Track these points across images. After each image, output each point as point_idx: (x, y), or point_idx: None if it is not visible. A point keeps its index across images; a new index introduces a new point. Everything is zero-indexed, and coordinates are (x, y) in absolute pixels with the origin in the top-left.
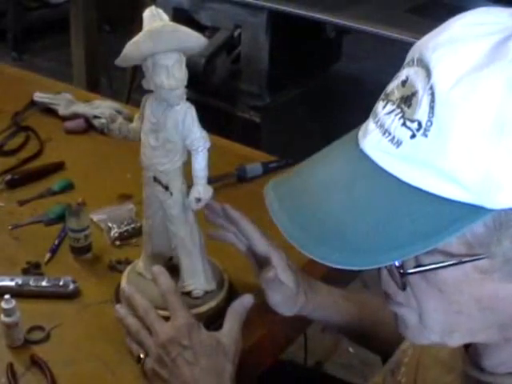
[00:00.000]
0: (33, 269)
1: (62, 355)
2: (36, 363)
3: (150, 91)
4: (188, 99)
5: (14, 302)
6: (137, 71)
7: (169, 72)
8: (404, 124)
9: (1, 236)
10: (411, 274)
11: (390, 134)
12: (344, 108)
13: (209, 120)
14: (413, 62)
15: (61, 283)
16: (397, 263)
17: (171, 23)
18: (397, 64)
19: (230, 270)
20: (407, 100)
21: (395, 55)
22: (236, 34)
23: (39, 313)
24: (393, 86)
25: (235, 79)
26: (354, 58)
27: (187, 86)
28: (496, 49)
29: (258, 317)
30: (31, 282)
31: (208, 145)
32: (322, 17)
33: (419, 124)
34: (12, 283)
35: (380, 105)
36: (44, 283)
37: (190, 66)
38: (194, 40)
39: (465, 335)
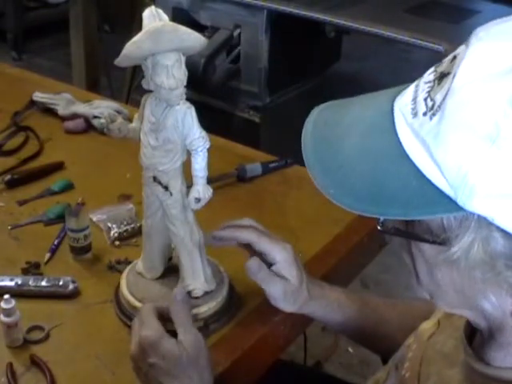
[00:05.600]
0: (32, 269)
1: (62, 355)
2: (35, 363)
3: (150, 91)
4: (187, 99)
5: (13, 302)
6: (136, 71)
7: (169, 72)
8: (426, 99)
9: (0, 236)
10: (382, 232)
11: (415, 102)
12: None
13: (208, 120)
14: (468, 40)
15: (60, 283)
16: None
17: (171, 23)
18: (396, 64)
19: (230, 270)
20: (442, 77)
21: (394, 55)
22: (235, 33)
23: (39, 313)
24: (448, 56)
25: (234, 79)
26: (354, 57)
27: (187, 86)
28: None
29: (258, 317)
30: (31, 282)
31: (208, 145)
32: (321, 17)
33: (433, 105)
34: (12, 283)
35: (431, 70)
36: (44, 283)
37: (190, 65)
38: (194, 40)
39: (444, 306)
